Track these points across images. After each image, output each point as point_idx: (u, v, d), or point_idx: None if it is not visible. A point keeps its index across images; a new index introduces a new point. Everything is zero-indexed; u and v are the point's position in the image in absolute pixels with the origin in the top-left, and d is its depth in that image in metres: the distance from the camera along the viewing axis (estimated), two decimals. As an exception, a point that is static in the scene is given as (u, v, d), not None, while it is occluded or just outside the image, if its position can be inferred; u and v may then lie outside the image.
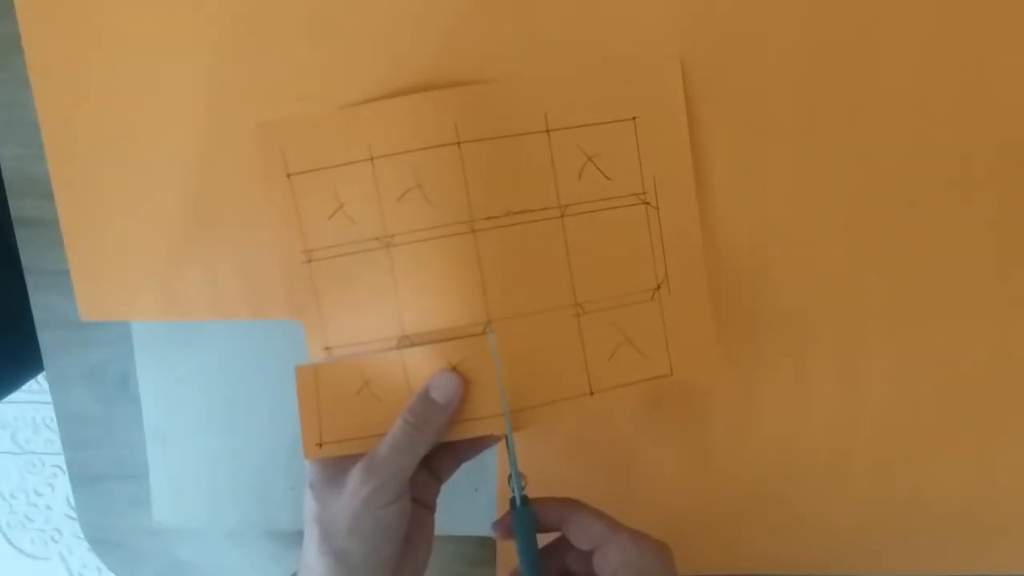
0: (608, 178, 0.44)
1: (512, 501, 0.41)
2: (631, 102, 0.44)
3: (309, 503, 0.41)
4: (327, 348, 0.45)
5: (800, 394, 0.47)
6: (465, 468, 0.46)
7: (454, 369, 0.43)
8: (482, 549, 0.51)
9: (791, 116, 0.45)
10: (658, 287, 0.45)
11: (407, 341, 0.43)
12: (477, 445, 0.44)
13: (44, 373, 0.54)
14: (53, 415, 0.53)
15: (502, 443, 0.46)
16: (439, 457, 0.44)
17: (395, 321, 0.44)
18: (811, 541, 0.49)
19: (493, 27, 0.44)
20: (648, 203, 0.44)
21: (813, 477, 0.48)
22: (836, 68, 0.44)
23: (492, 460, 0.49)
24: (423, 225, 0.43)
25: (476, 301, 0.43)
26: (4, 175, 0.50)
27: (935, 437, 0.48)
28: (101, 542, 0.54)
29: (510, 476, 0.41)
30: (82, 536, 0.56)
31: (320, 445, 0.43)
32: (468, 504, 0.50)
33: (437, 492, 0.44)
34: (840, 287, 0.46)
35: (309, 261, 0.45)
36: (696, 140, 0.45)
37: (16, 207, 0.50)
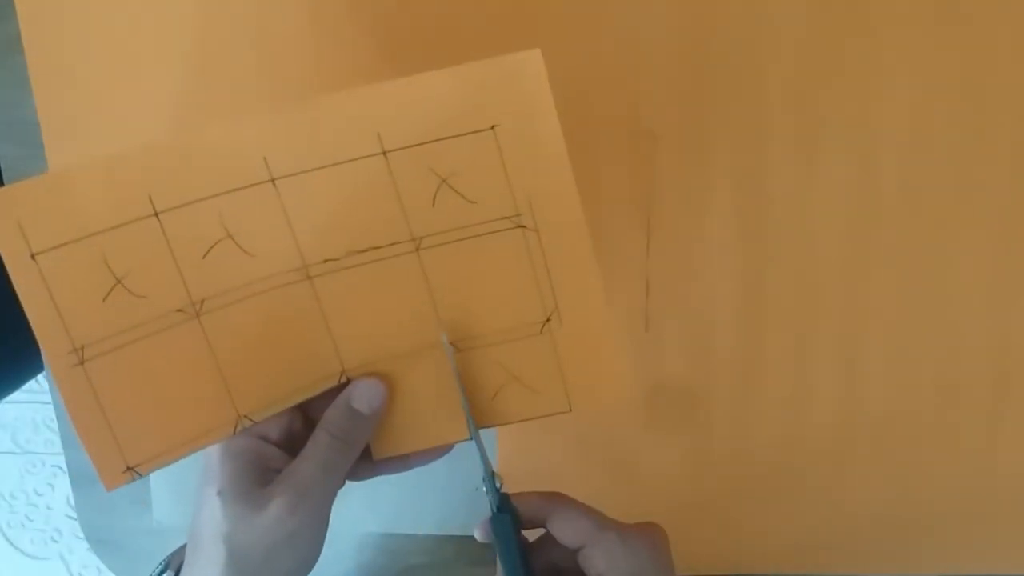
0: (471, 201, 0.37)
1: (491, 509, 0.37)
2: (489, 109, 0.35)
3: (214, 515, 0.35)
4: (130, 468, 0.36)
5: (800, 392, 0.47)
6: (465, 467, 0.46)
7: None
8: (482, 549, 0.51)
9: (791, 115, 0.45)
10: (547, 320, 0.38)
11: (248, 422, 0.37)
12: (412, 460, 0.40)
13: (44, 373, 0.53)
14: (53, 415, 0.53)
15: (501, 437, 0.46)
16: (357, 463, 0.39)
17: (225, 404, 0.37)
18: (811, 540, 0.49)
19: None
20: (524, 226, 0.37)
21: (813, 477, 0.48)
22: (836, 68, 0.44)
23: (493, 457, 0.49)
24: (241, 281, 0.36)
25: (326, 356, 0.37)
26: (4, 175, 0.50)
27: (935, 435, 0.48)
28: (101, 542, 0.54)
29: (484, 479, 0.37)
30: (82, 536, 0.56)
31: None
32: (468, 504, 0.50)
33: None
34: (840, 284, 0.46)
35: (81, 363, 0.35)
36: (698, 141, 0.45)
37: (16, 207, 0.50)
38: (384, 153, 0.35)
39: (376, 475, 0.40)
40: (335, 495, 0.37)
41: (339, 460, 0.36)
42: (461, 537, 0.51)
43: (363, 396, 0.37)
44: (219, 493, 0.35)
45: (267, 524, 0.34)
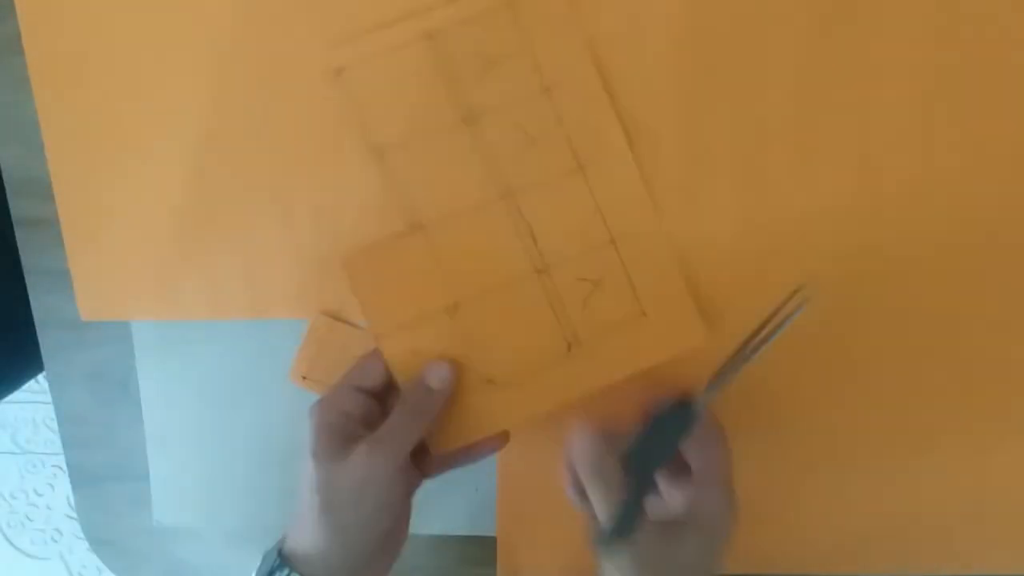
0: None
1: (680, 403, 0.42)
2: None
3: (309, 473, 0.41)
4: None
5: (802, 394, 0.47)
6: (466, 468, 0.46)
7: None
8: (482, 549, 0.51)
9: (791, 115, 0.45)
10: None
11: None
12: (472, 454, 0.46)
13: (44, 373, 0.54)
14: (53, 415, 0.53)
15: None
16: (426, 455, 0.45)
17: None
18: (811, 541, 0.49)
19: None
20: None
21: (813, 477, 0.48)
22: (836, 67, 0.44)
23: (495, 460, 0.49)
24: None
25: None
26: (4, 175, 0.50)
27: (935, 437, 0.48)
28: (101, 542, 0.54)
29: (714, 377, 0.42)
30: (82, 536, 0.56)
31: (304, 378, 0.49)
32: (468, 504, 0.50)
33: (419, 484, 0.45)
34: (840, 284, 0.46)
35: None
36: (698, 139, 0.45)
37: (16, 207, 0.50)
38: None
39: (445, 470, 0.46)
40: (407, 450, 0.42)
41: (411, 422, 0.43)
42: (462, 538, 0.51)
43: (435, 374, 0.44)
44: (313, 455, 0.41)
45: (349, 469, 0.41)
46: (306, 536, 0.41)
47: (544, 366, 0.46)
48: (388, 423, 0.42)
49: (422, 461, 0.45)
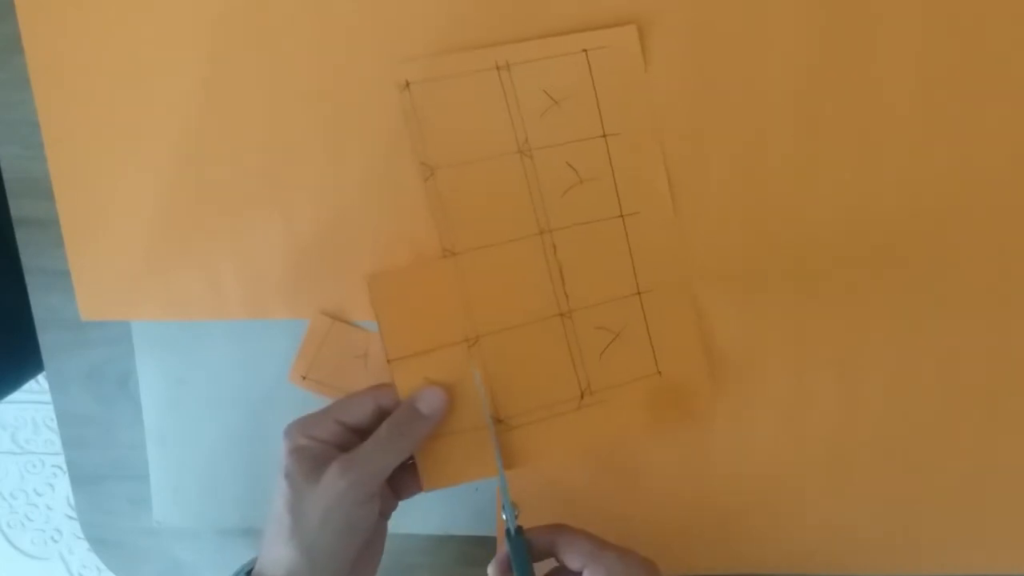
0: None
1: (507, 532, 0.42)
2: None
3: (282, 492, 0.41)
4: None
5: (800, 392, 0.47)
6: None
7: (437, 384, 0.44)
8: (482, 549, 0.51)
9: (791, 115, 0.45)
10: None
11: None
12: None
13: (44, 373, 0.54)
14: (53, 415, 0.53)
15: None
16: (404, 477, 0.45)
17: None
18: (811, 541, 0.49)
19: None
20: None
21: (813, 477, 0.48)
22: (837, 68, 0.44)
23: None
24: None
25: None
26: (4, 175, 0.50)
27: (935, 437, 0.48)
28: (101, 542, 0.54)
29: (504, 507, 0.42)
30: (82, 536, 0.56)
31: (304, 378, 0.48)
32: (468, 504, 0.50)
33: (394, 507, 0.45)
34: (840, 285, 0.46)
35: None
36: (697, 139, 0.45)
37: (16, 207, 0.50)
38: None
39: (417, 492, 0.45)
40: (383, 476, 0.42)
41: (389, 446, 0.42)
42: (461, 537, 0.51)
43: (427, 400, 0.43)
44: (286, 475, 0.41)
45: (320, 490, 0.40)
46: (276, 557, 0.41)
47: (555, 412, 0.46)
48: (366, 444, 0.41)
49: (400, 484, 0.45)
